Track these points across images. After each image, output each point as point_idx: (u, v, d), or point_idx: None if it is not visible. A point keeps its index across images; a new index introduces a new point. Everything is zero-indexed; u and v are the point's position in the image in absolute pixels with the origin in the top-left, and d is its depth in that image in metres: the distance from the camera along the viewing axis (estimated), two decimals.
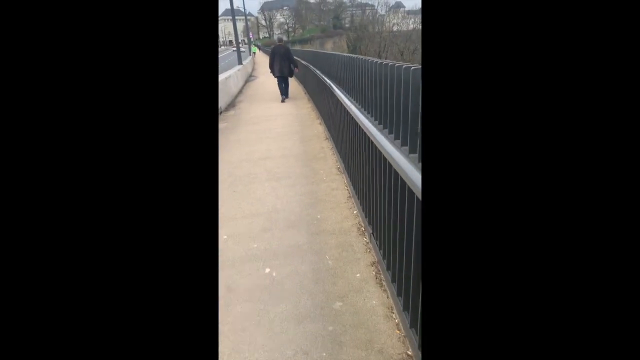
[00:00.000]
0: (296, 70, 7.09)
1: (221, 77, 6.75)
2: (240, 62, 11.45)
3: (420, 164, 1.05)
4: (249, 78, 12.12)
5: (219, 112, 5.85)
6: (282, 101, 7.00)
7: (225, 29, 66.19)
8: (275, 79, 7.19)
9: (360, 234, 2.09)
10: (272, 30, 66.48)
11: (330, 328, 1.42)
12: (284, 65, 6.73)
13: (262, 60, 18.91)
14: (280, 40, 7.35)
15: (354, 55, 2.10)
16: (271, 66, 6.87)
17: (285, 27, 65.01)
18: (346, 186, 2.73)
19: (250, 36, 40.07)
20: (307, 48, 5.93)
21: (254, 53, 28.32)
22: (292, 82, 8.01)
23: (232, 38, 59.76)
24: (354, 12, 60.98)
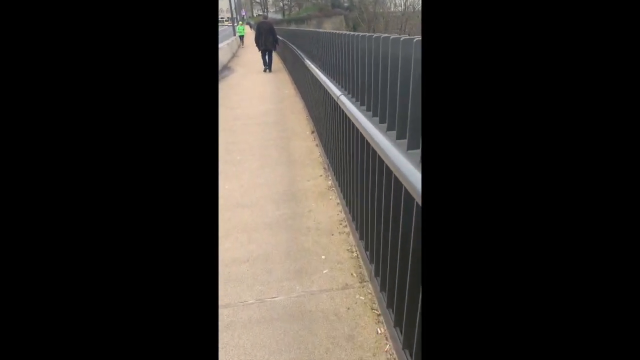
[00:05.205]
0: (276, 45, 8.25)
1: None
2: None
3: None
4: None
5: None
6: (265, 71, 8.36)
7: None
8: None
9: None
10: (267, 8, 64.35)
11: None
12: (268, 39, 7.89)
13: (252, 43, 10.94)
14: (265, 17, 8.52)
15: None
16: (257, 40, 8.04)
17: (281, 4, 62.97)
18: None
19: (243, 13, 38.45)
20: (304, 28, 6.58)
21: (241, 36, 18.22)
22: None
23: (223, 15, 57.59)
24: None
